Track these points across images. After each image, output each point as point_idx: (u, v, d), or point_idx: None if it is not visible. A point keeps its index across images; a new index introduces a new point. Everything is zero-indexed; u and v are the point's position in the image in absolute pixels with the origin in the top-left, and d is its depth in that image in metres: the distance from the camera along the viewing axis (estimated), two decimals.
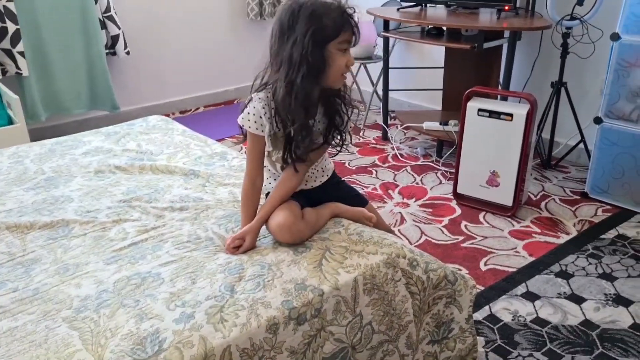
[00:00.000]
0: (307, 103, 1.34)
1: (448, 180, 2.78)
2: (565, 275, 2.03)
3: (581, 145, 2.83)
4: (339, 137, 1.48)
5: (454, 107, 3.06)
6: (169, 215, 1.57)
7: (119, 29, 3.40)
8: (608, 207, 2.50)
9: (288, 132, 1.38)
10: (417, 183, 2.80)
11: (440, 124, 2.93)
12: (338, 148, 1.51)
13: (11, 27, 2.96)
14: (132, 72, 3.69)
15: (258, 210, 1.47)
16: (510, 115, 2.33)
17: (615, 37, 2.34)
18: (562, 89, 2.75)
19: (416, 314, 1.40)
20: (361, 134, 3.46)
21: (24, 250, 1.41)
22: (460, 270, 2.07)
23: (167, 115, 3.85)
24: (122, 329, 1.11)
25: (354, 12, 1.39)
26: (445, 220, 2.44)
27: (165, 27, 3.75)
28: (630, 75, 2.36)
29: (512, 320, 1.81)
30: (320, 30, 1.31)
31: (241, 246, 1.39)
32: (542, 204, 2.55)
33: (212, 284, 1.24)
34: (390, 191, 2.71)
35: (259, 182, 1.48)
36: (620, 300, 1.89)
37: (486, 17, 2.78)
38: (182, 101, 3.99)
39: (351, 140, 1.55)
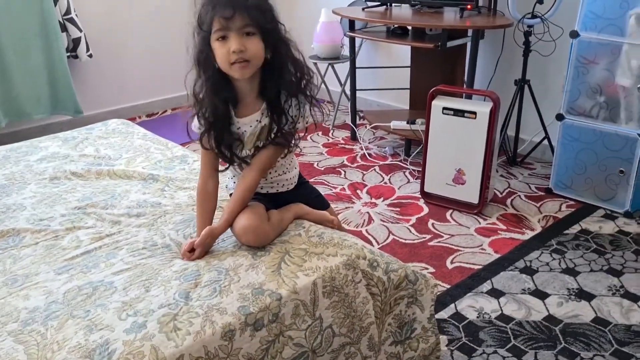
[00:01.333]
0: (211, 101, 1.35)
1: (416, 179, 2.78)
2: (529, 271, 2.05)
3: (545, 141, 2.86)
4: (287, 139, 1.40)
5: (421, 105, 3.07)
6: (125, 221, 1.53)
7: (81, 31, 3.32)
8: (572, 202, 2.54)
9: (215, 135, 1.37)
10: (385, 182, 2.80)
11: (408, 123, 2.94)
12: (285, 150, 1.45)
13: None
14: (95, 75, 3.62)
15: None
16: (474, 113, 2.34)
17: (574, 34, 2.37)
18: (526, 86, 2.78)
19: (377, 315, 1.39)
20: (330, 134, 3.45)
21: None
22: (427, 269, 2.08)
23: (134, 119, 3.79)
24: (70, 341, 1.07)
25: None
26: (413, 219, 2.44)
27: (129, 29, 3.68)
28: (589, 72, 2.39)
29: (477, 317, 1.81)
30: (198, 26, 1.31)
31: (195, 251, 1.35)
32: (508, 201, 2.58)
33: (167, 291, 1.21)
34: (358, 191, 2.70)
35: (211, 185, 1.45)
36: (583, 295, 1.91)
37: (450, 16, 2.80)
38: (148, 104, 3.92)
39: (297, 141, 1.45)
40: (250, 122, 1.39)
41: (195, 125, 1.41)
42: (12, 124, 3.28)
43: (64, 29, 3.27)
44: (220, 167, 1.49)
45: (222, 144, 1.39)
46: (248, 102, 1.39)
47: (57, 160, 1.94)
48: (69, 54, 3.34)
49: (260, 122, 1.39)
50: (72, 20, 3.28)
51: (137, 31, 3.72)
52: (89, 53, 3.40)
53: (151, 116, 3.89)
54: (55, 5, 3.20)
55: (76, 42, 3.32)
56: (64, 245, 1.42)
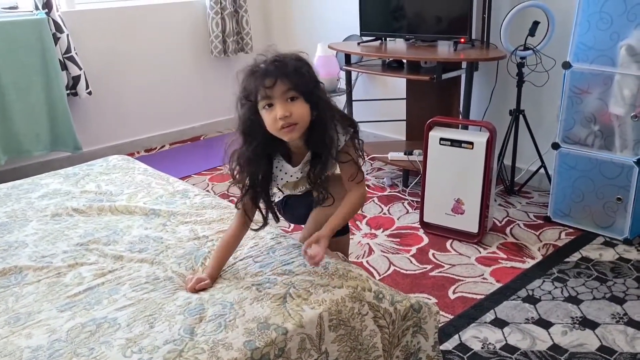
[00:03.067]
0: (252, 162, 1.44)
1: (415, 209, 2.79)
2: (532, 300, 2.04)
3: (542, 170, 2.89)
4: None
5: (417, 136, 3.10)
6: (128, 256, 1.52)
7: (80, 69, 3.37)
8: (571, 230, 2.54)
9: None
10: (384, 213, 2.80)
11: (405, 154, 2.96)
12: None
13: None
14: (94, 112, 3.65)
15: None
16: (471, 143, 2.37)
17: (566, 65, 2.42)
18: (521, 116, 2.82)
19: (386, 347, 1.38)
20: None
21: None
22: (429, 299, 2.07)
23: (132, 154, 3.80)
24: None
25: (276, 60, 1.36)
26: (413, 249, 2.44)
27: (128, 66, 3.74)
28: (583, 102, 2.44)
29: (482, 348, 1.80)
30: (244, 97, 1.38)
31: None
32: (507, 230, 2.58)
33: (171, 327, 1.20)
34: (358, 222, 2.70)
35: (241, 234, 1.52)
36: (587, 323, 1.90)
37: (444, 49, 2.86)
38: (147, 139, 3.95)
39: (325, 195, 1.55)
40: (301, 169, 1.52)
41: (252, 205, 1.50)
42: (12, 161, 3.29)
43: (64, 67, 3.31)
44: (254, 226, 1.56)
45: (267, 194, 1.51)
46: (298, 154, 1.51)
47: (59, 197, 1.95)
48: (68, 91, 3.37)
49: (302, 171, 1.52)
50: (72, 59, 3.33)
51: (136, 68, 3.77)
52: (88, 90, 3.44)
53: (150, 151, 3.91)
54: (56, 44, 3.25)
55: (76, 79, 3.37)
56: (66, 282, 1.41)
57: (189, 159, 3.67)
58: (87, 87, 3.44)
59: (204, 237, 1.61)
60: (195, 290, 1.35)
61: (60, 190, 2.00)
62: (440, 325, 1.90)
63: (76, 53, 3.35)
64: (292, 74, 1.34)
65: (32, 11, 3.22)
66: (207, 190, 3.13)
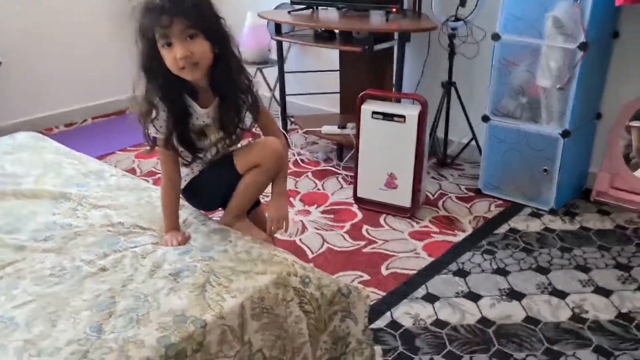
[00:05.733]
0: (168, 103, 1.38)
1: (349, 184, 2.75)
2: (462, 273, 2.06)
3: (473, 142, 2.91)
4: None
5: (352, 109, 3.04)
6: (31, 246, 1.39)
7: None
8: (500, 202, 2.58)
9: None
10: (318, 189, 2.75)
11: (339, 127, 2.91)
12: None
13: None
14: (6, 83, 3.34)
15: None
16: (403, 117, 2.34)
17: (496, 37, 2.41)
18: (452, 88, 2.82)
19: (312, 333, 1.33)
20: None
21: None
22: (362, 277, 2.04)
23: (51, 130, 3.55)
24: None
25: None
26: (347, 225, 2.40)
27: (44, 33, 3.44)
28: (511, 74, 2.45)
29: (413, 324, 1.79)
30: (142, 35, 1.32)
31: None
32: (440, 203, 2.59)
33: (76, 325, 1.10)
34: (291, 199, 2.63)
35: (176, 178, 1.50)
36: (514, 295, 1.93)
37: (376, 19, 2.79)
38: (67, 113, 3.69)
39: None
40: (208, 113, 1.45)
41: (154, 130, 1.41)
42: None
43: None
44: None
45: (185, 141, 1.43)
46: (205, 94, 1.44)
47: None
48: None
49: (213, 116, 1.46)
50: None
51: (53, 36, 3.48)
52: None
53: (70, 126, 3.65)
54: None
55: None
56: None
57: (113, 135, 3.46)
58: None
59: (118, 223, 1.49)
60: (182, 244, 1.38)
61: None
62: (372, 303, 1.88)
63: None
64: (190, 10, 1.28)
65: None
66: (134, 168, 2.96)
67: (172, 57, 1.30)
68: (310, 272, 1.35)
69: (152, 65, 1.34)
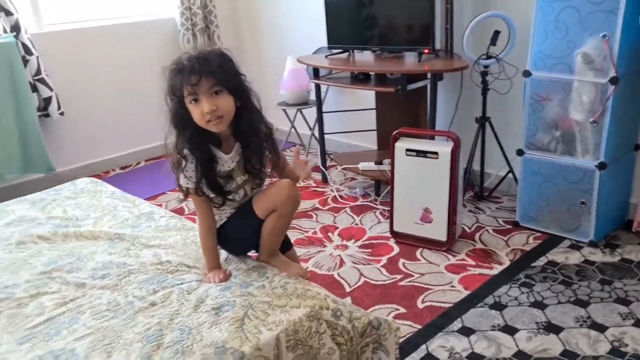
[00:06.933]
0: (197, 155, 1.52)
1: (386, 218, 2.83)
2: (498, 306, 2.08)
3: (510, 175, 2.94)
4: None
5: (388, 146, 3.14)
6: (90, 284, 1.53)
7: (51, 90, 3.37)
8: (538, 234, 2.59)
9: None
10: (356, 224, 2.83)
11: (375, 163, 3.00)
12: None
13: None
14: (67, 132, 3.65)
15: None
16: (436, 153, 2.41)
17: (526, 74, 2.47)
18: (487, 123, 2.87)
19: None
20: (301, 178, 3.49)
21: None
22: (398, 310, 2.10)
23: (108, 172, 3.81)
24: None
25: (200, 57, 1.43)
26: (384, 259, 2.47)
27: (99, 85, 3.74)
28: (544, 109, 2.49)
29: (449, 357, 1.83)
30: (172, 93, 1.46)
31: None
32: (477, 236, 2.62)
33: (128, 356, 1.22)
34: (330, 234, 2.73)
35: (212, 222, 1.62)
36: (551, 328, 1.94)
37: (410, 60, 2.90)
38: (122, 157, 3.95)
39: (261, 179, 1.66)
40: (233, 158, 1.57)
41: (184, 180, 1.55)
42: None
43: (34, 89, 3.31)
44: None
45: (214, 186, 1.56)
46: (227, 142, 1.57)
47: (25, 223, 1.95)
48: (40, 113, 3.37)
49: (237, 161, 1.58)
50: (42, 80, 3.33)
51: (107, 87, 3.77)
52: (60, 111, 3.44)
53: (125, 169, 3.91)
54: (25, 66, 3.24)
55: (47, 101, 3.36)
56: (27, 313, 1.42)
57: (164, 176, 3.66)
58: (59, 108, 3.44)
59: (167, 262, 1.63)
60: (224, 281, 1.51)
61: (27, 216, 2.01)
62: (407, 336, 1.93)
63: (47, 74, 3.35)
64: (216, 70, 1.43)
65: (0, 34, 3.21)
66: (182, 207, 3.14)
67: (200, 111, 1.44)
68: (341, 306, 1.43)
69: (181, 120, 1.48)
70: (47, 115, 3.41)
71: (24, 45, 3.23)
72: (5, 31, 3.19)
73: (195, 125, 1.49)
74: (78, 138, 3.71)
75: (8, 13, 3.14)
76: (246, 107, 1.52)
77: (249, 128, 1.53)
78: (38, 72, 3.30)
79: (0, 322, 1.39)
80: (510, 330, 1.95)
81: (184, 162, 1.52)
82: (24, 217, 2.01)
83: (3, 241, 1.83)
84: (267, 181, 1.69)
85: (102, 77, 3.73)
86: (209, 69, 1.41)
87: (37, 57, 3.29)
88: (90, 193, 2.19)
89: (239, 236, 1.66)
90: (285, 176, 1.71)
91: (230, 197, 1.60)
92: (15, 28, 3.18)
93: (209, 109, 1.42)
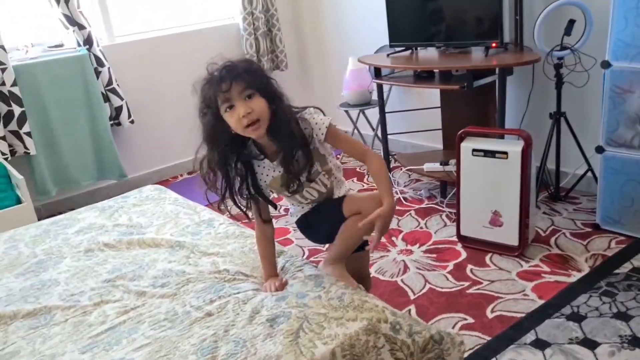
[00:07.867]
0: (221, 165, 1.51)
1: (453, 222, 2.71)
2: (577, 317, 1.93)
3: (589, 174, 2.73)
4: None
5: (454, 145, 3.01)
6: (150, 292, 1.55)
7: (122, 99, 3.50)
8: (621, 238, 2.39)
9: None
10: (421, 227, 2.73)
11: (441, 164, 2.88)
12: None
13: (17, 110, 3.08)
14: (137, 140, 3.78)
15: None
16: (505, 153, 2.27)
17: (605, 64, 2.28)
18: (562, 119, 2.68)
19: None
20: (365, 179, 3.43)
21: (4, 343, 1.41)
22: (465, 320, 1.99)
23: (176, 177, 3.92)
24: None
25: (227, 65, 1.43)
26: (450, 265, 2.36)
27: (167, 92, 3.84)
28: (626, 102, 2.29)
29: None
30: (206, 106, 1.45)
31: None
32: (552, 240, 2.45)
33: None
34: (393, 238, 2.65)
35: (269, 231, 1.64)
36: (637, 342, 1.77)
37: (477, 55, 2.76)
38: (189, 162, 4.02)
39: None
40: (277, 165, 1.55)
41: (235, 206, 1.59)
42: (62, 192, 3.46)
43: (106, 99, 3.45)
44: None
45: (257, 194, 1.58)
46: (271, 149, 1.55)
47: (93, 231, 2.02)
48: (112, 121, 3.51)
49: (279, 171, 1.56)
50: (114, 90, 3.46)
51: (175, 94, 3.87)
52: (130, 119, 3.57)
53: (192, 173, 4.00)
54: (98, 77, 3.39)
55: (118, 110, 3.50)
56: (90, 322, 1.45)
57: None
58: (130, 117, 3.57)
59: (224, 270, 1.62)
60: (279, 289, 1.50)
61: (95, 224, 2.08)
62: (475, 348, 1.83)
63: (117, 84, 3.48)
64: (243, 74, 1.42)
65: (75, 48, 3.37)
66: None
67: (236, 117, 1.43)
68: (401, 319, 1.36)
69: (216, 132, 1.47)
70: (119, 124, 3.54)
71: (96, 57, 3.37)
72: (78, 44, 3.34)
73: (231, 137, 1.48)
74: (148, 145, 3.84)
75: (81, 27, 3.29)
76: (280, 110, 1.50)
77: (285, 130, 1.49)
78: (109, 82, 3.44)
79: (65, 330, 1.43)
80: (590, 344, 1.79)
81: (219, 177, 1.53)
82: (92, 224, 2.08)
83: (73, 249, 1.90)
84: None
85: (169, 84, 3.84)
86: (237, 73, 1.42)
87: (109, 68, 3.43)
88: (154, 200, 2.24)
89: (317, 226, 1.68)
90: (357, 156, 1.63)
91: (298, 200, 1.63)
92: (88, 41, 3.33)
93: (244, 112, 1.42)
